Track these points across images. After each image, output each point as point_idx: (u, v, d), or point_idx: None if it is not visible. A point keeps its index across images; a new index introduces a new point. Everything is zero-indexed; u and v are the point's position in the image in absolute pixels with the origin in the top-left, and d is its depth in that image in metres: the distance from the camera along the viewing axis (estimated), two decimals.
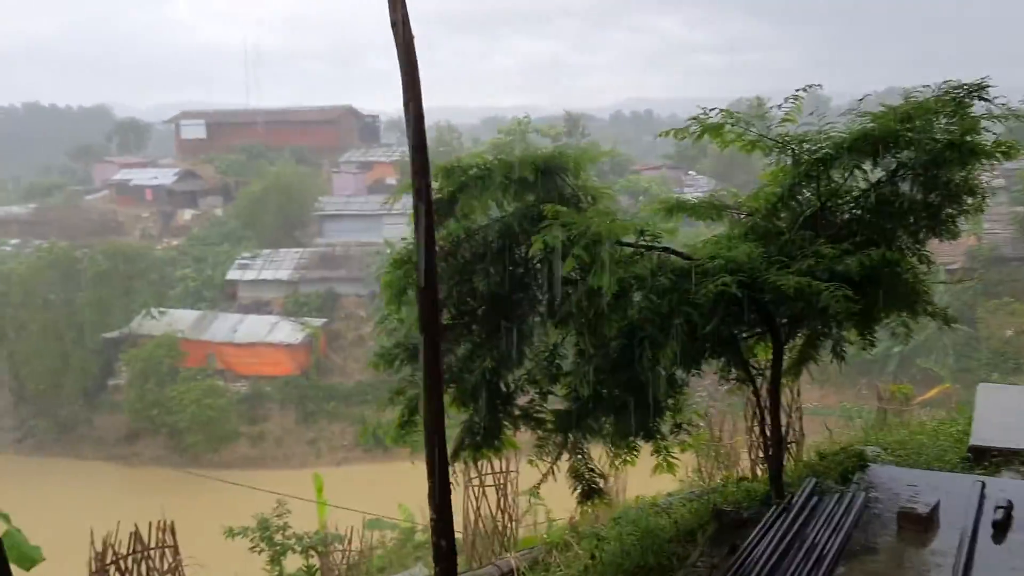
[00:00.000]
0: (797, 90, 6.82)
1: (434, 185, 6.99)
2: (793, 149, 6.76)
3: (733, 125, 6.64)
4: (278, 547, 19.64)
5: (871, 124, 6.40)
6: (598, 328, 5.94)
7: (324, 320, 57.78)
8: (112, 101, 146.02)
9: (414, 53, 4.65)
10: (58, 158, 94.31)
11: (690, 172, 61.98)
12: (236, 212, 67.98)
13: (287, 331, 56.19)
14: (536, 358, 7.09)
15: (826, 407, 46.20)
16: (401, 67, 4.56)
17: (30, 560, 11.68)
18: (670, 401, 7.10)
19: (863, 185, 6.89)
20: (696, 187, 57.51)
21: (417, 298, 4.58)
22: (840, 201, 6.79)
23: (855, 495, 7.01)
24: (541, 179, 6.67)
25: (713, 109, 6.68)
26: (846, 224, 6.73)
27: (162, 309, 54.88)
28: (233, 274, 61.21)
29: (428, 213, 4.43)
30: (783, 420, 9.80)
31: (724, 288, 5.56)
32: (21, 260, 57.89)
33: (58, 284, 53.26)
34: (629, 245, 6.45)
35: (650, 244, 6.38)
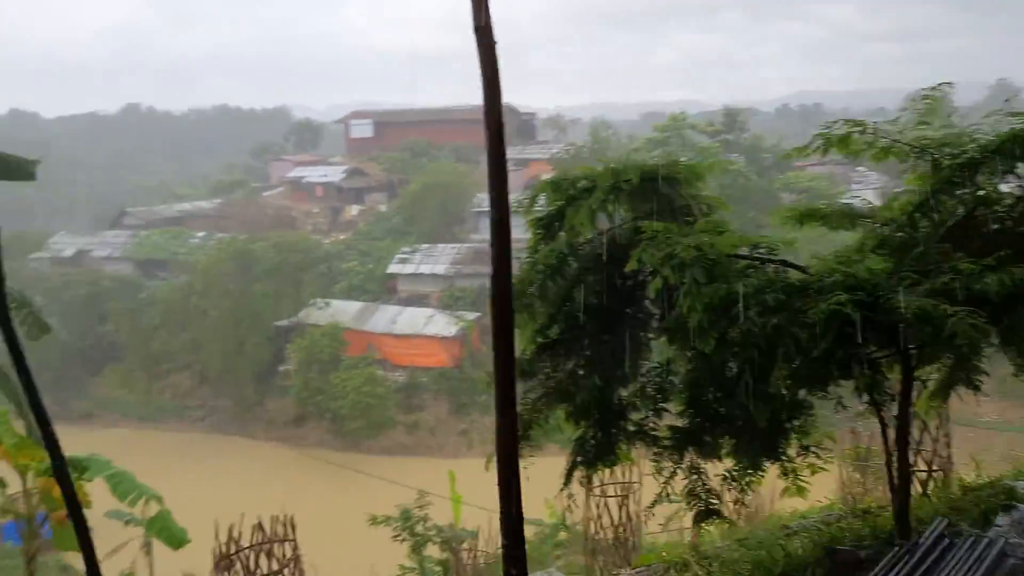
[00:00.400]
0: (929, 88, 6.19)
1: (541, 199, 6.88)
2: (933, 154, 6.14)
3: (862, 133, 6.11)
4: (418, 537, 20.21)
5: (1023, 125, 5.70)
6: (697, 345, 5.63)
7: (477, 314, 58.93)
8: (292, 102, 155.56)
9: (496, 60, 4.56)
10: (241, 157, 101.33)
11: (859, 168, 58.52)
12: (398, 208, 70.49)
13: (442, 324, 57.73)
14: (648, 373, 6.83)
15: (1007, 422, 42.39)
16: (483, 74, 4.47)
17: (177, 541, 12.51)
18: (795, 423, 6.64)
19: (1019, 192, 6.16)
20: (865, 184, 54.22)
21: (491, 310, 4.49)
22: (988, 211, 6.10)
23: (992, 541, 6.27)
24: (651, 189, 6.40)
25: (836, 122, 6.16)
26: (993, 236, 6.03)
27: (328, 300, 57.77)
28: (393, 268, 63.54)
29: (503, 223, 4.32)
30: (928, 444, 9.01)
31: (838, 308, 5.10)
32: (206, 252, 62.67)
33: (236, 275, 57.17)
34: (743, 258, 6.07)
35: (766, 257, 5.97)
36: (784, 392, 6.32)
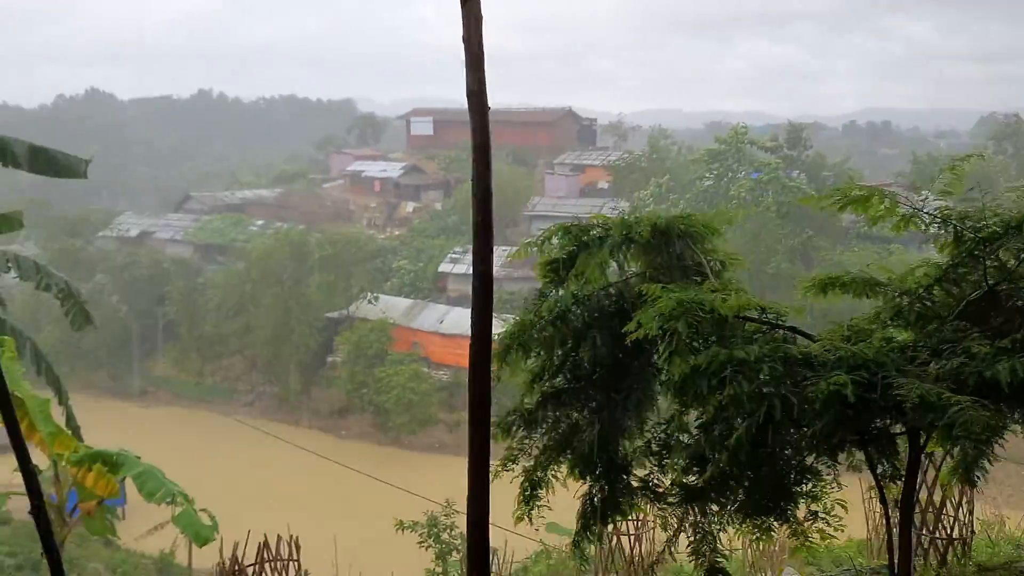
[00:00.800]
0: (956, 162, 6.01)
1: (554, 241, 6.88)
2: (955, 225, 5.97)
3: (882, 200, 5.96)
4: (443, 545, 20.32)
5: None
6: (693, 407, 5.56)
7: None
8: (359, 95, 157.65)
9: (488, 127, 4.55)
10: (305, 147, 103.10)
11: (924, 192, 56.82)
12: (452, 207, 70.92)
13: None
14: (654, 429, 6.77)
15: None
16: (474, 141, 4.46)
17: (203, 539, 12.81)
18: (803, 487, 6.51)
19: None
20: (927, 208, 52.67)
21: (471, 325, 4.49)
22: (1010, 286, 5.89)
23: None
24: (663, 243, 6.35)
25: (856, 185, 5.99)
26: (1017, 312, 5.82)
27: (378, 295, 58.44)
28: (444, 267, 64.00)
29: (486, 237, 4.30)
30: (946, 517, 8.76)
31: (837, 388, 5.00)
32: (263, 240, 63.96)
33: (290, 264, 58.20)
34: (753, 320, 5.98)
35: (774, 323, 5.87)
36: (790, 457, 6.21)
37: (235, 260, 63.87)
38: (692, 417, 6.53)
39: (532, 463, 6.61)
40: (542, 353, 6.59)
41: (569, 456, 6.53)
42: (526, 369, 6.63)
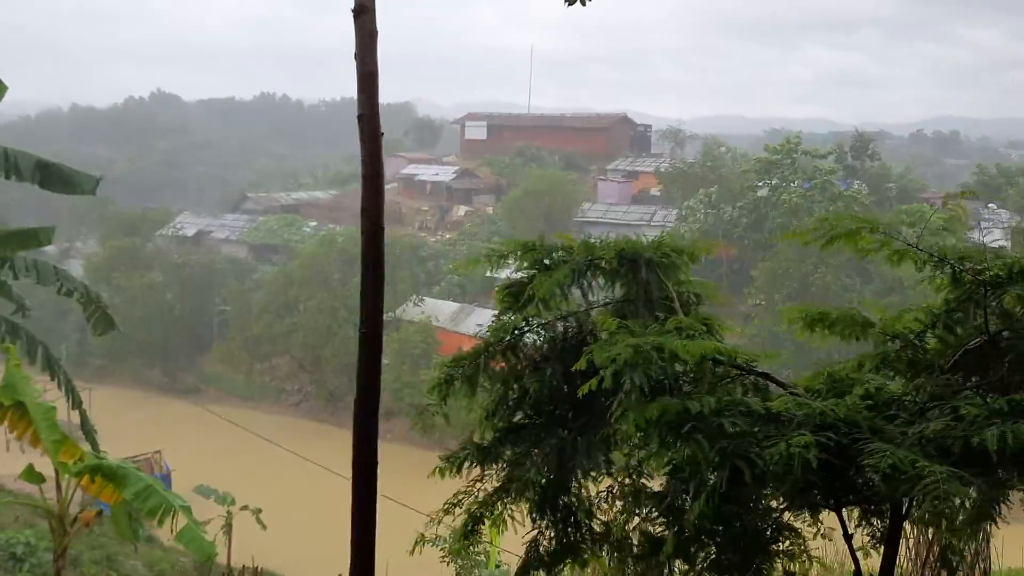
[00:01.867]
0: (951, 198, 5.40)
1: (510, 260, 6.45)
2: (953, 265, 5.32)
3: (873, 232, 5.35)
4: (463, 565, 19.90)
5: None
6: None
7: None
8: (419, 98, 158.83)
9: (380, 154, 4.12)
10: None
11: (990, 205, 54.64)
12: (504, 212, 70.75)
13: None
14: (619, 473, 6.25)
15: None
16: (364, 170, 4.03)
17: (206, 555, 12.64)
18: (780, 545, 5.93)
19: None
20: (995, 222, 50.56)
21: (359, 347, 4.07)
22: (1013, 335, 5.24)
23: None
24: (630, 270, 5.85)
25: (845, 218, 5.39)
26: (1021, 364, 5.16)
27: (424, 298, 58.49)
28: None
29: (376, 246, 3.90)
30: (962, 567, 8.02)
31: (799, 452, 4.43)
32: (312, 241, 64.63)
33: (339, 265, 58.62)
34: (727, 364, 5.44)
35: (746, 368, 5.32)
36: (764, 513, 5.65)
37: (288, 260, 64.65)
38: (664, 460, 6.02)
39: (480, 502, 6.15)
40: (497, 386, 6.14)
41: (524, 496, 6.05)
42: (479, 404, 6.19)
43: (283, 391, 61.84)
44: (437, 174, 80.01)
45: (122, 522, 13.54)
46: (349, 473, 6.10)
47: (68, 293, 15.36)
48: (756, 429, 4.81)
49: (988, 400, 4.87)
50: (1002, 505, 4.78)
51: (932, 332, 5.51)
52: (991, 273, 5.14)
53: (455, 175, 79.40)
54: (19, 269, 14.23)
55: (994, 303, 5.27)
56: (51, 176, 12.80)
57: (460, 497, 6.16)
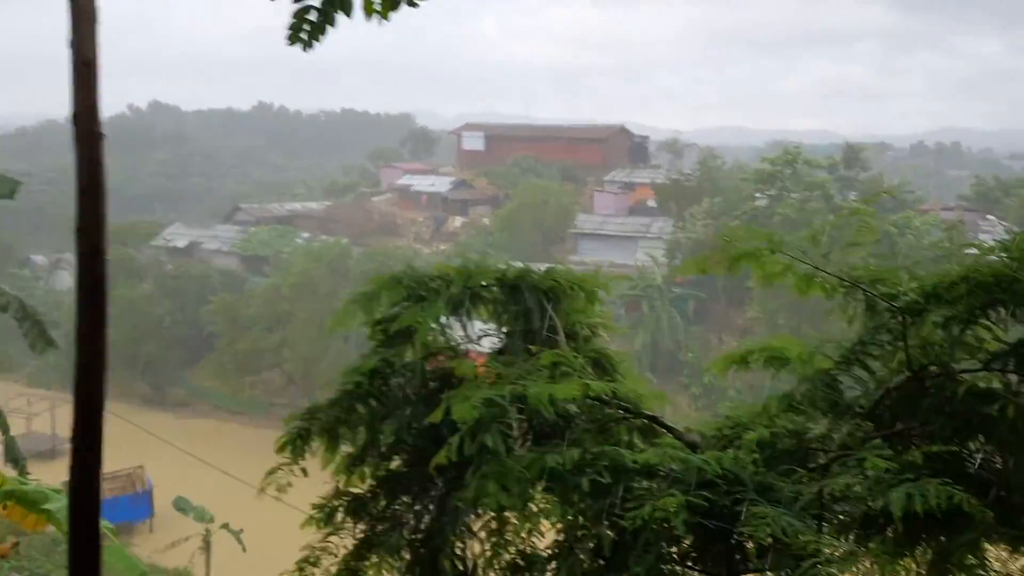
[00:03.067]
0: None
1: (382, 298, 5.72)
2: (865, 291, 4.58)
3: (774, 252, 4.63)
4: None
5: (982, 264, 4.12)
6: None
7: None
8: (421, 109, 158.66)
9: (100, 163, 3.39)
10: (359, 160, 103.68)
11: (989, 216, 53.81)
12: (499, 223, 70.13)
13: None
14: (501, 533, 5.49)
15: None
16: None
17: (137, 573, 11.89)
18: None
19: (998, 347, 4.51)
20: (993, 235, 49.71)
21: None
22: (942, 371, 4.48)
23: None
24: (513, 300, 5.14)
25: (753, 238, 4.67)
26: (948, 404, 4.40)
27: None
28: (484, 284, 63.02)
29: (95, 272, 3.18)
30: None
31: (662, 515, 3.69)
32: (302, 253, 63.97)
33: (329, 278, 57.97)
34: (615, 405, 4.72)
35: (632, 409, 4.59)
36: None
37: (280, 272, 63.98)
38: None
39: (345, 563, 5.39)
40: (360, 429, 5.41)
41: (395, 557, 5.30)
42: (342, 454, 5.45)
43: (273, 404, 61.04)
44: (433, 185, 79.44)
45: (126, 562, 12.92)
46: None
47: (3, 308, 14.65)
48: (624, 486, 4.07)
49: (908, 451, 4.13)
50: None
51: (845, 372, 4.77)
52: (907, 298, 4.40)
53: (451, 186, 78.83)
54: None
55: (915, 335, 4.53)
56: None
57: (317, 555, 5.40)
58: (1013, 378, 4.31)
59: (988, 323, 4.37)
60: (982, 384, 4.35)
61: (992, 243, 4.39)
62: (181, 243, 71.63)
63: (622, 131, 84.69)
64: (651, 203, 69.88)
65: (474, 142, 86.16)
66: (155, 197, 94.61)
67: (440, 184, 79.41)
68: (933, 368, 4.48)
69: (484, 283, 5.21)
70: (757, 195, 54.38)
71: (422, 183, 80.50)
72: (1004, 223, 52.48)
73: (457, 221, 76.43)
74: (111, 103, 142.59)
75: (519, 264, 5.58)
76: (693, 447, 4.37)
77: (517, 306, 5.18)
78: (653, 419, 4.65)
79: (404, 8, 3.70)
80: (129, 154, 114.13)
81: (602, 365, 5.00)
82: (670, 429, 4.63)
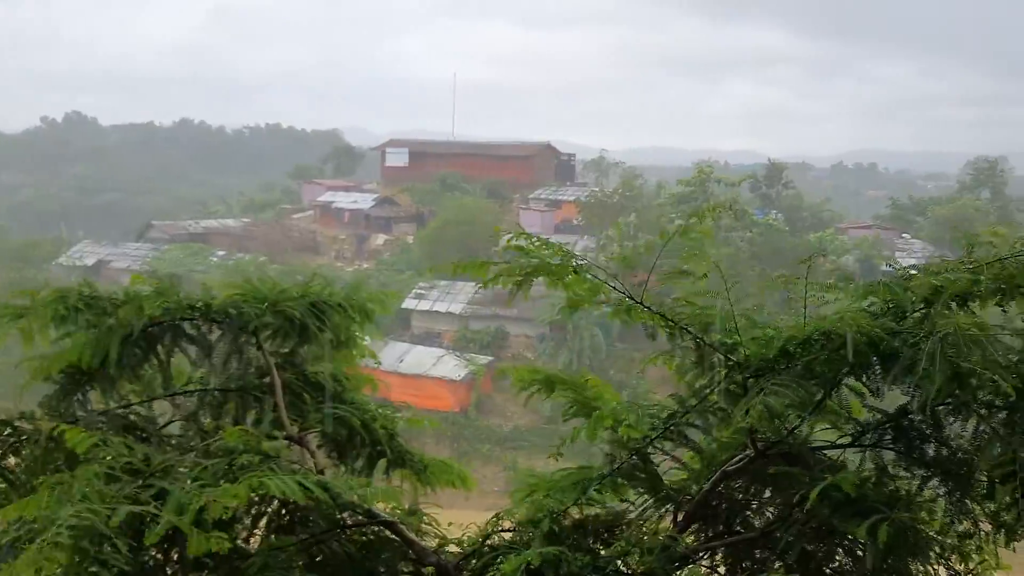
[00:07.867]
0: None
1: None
2: (699, 340, 3.49)
3: (578, 272, 3.53)
4: None
5: (832, 315, 3.09)
6: None
7: (491, 358, 56.62)
8: (352, 127, 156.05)
9: None
10: (281, 177, 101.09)
11: (904, 235, 54.73)
12: (422, 241, 68.82)
13: (451, 366, 55.57)
14: None
15: None
16: None
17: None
18: None
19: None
20: (910, 252, 50.53)
21: None
22: (793, 440, 3.43)
23: None
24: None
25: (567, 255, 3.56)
26: (795, 484, 3.34)
27: None
28: (409, 303, 61.49)
29: None
30: None
31: None
32: (223, 271, 61.45)
33: None
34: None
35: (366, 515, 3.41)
36: None
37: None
38: None
39: None
40: None
41: None
42: None
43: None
44: (356, 201, 77.65)
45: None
46: None
47: None
48: None
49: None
50: None
51: (676, 433, 3.65)
52: (746, 352, 3.30)
53: (374, 203, 77.15)
54: None
55: (757, 398, 3.41)
56: None
57: None
58: (890, 455, 3.26)
59: (861, 384, 3.31)
60: (848, 469, 3.28)
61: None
62: (90, 261, 68.28)
63: (548, 148, 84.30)
64: (577, 221, 69.50)
65: (398, 158, 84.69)
66: (68, 213, 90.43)
67: (363, 201, 77.68)
68: (783, 445, 3.40)
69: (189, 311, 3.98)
70: (672, 215, 54.49)
71: (344, 200, 78.62)
72: (918, 240, 53.41)
73: (380, 239, 74.75)
74: (27, 118, 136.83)
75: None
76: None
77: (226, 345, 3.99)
78: (390, 525, 3.45)
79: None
80: (41, 169, 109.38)
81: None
82: (406, 540, 3.43)
